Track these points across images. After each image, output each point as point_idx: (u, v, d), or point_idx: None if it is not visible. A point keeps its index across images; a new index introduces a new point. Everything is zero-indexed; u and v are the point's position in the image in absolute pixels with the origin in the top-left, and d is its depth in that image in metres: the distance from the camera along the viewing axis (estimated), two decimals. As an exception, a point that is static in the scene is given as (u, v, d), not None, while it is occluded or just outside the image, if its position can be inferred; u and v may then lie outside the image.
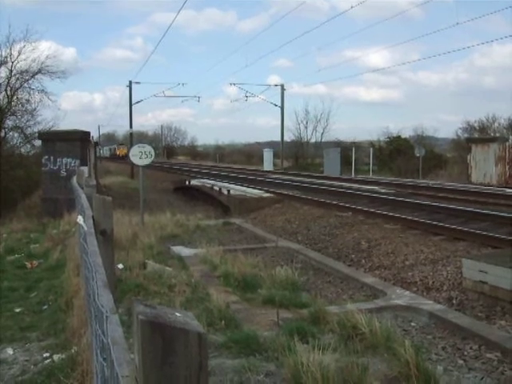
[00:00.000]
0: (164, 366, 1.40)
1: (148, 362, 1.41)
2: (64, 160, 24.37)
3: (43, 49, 47.73)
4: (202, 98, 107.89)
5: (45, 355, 6.85)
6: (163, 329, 1.41)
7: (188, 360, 1.42)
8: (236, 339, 6.67)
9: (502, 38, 78.17)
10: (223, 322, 7.53)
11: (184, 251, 13.41)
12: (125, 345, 1.72)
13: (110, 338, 1.65)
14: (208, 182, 31.22)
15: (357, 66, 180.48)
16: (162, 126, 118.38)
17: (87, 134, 27.16)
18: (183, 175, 42.96)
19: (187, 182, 33.36)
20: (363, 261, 12.76)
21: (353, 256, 13.25)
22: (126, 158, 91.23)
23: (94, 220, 4.85)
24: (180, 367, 1.41)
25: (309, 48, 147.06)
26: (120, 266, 10.39)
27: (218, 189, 26.97)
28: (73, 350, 6.43)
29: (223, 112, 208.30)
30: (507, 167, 32.05)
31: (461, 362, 6.59)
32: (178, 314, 1.51)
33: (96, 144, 39.39)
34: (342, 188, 26.77)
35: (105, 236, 4.76)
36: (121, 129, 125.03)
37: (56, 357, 6.67)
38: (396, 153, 55.38)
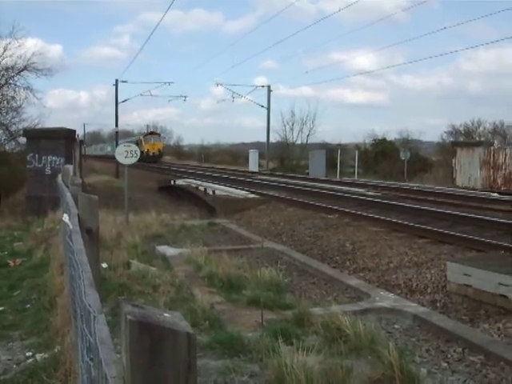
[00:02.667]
0: (152, 366, 1.39)
1: (136, 363, 1.39)
2: (49, 158, 24.22)
3: (29, 45, 47.38)
4: (188, 98, 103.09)
5: (27, 354, 6.80)
6: (152, 329, 1.40)
7: (176, 360, 1.41)
8: (220, 340, 6.65)
9: (487, 44, 78.52)
10: (207, 322, 7.51)
11: (169, 251, 13.36)
12: (111, 345, 1.71)
13: (98, 338, 1.64)
14: (193, 182, 31.17)
15: (343, 68, 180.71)
16: (147, 126, 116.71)
17: (73, 132, 27.00)
18: (168, 175, 42.87)
19: (172, 182, 33.26)
20: (348, 263, 12.78)
21: (337, 258, 13.27)
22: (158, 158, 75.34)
23: (79, 218, 4.83)
24: (168, 367, 1.40)
25: (296, 50, 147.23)
26: (104, 265, 10.33)
27: (203, 189, 26.92)
28: (56, 350, 6.39)
29: (209, 112, 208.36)
30: (492, 171, 32.27)
31: (444, 364, 6.61)
32: (166, 315, 1.50)
33: (81, 142, 39.20)
34: (327, 190, 26.83)
35: (90, 235, 4.74)
36: (106, 127, 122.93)
37: (39, 356, 6.62)
38: (381, 155, 55.56)
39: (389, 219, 16.23)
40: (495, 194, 24.99)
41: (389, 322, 8.26)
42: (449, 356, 6.87)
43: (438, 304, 9.40)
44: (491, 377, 6.20)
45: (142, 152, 68.92)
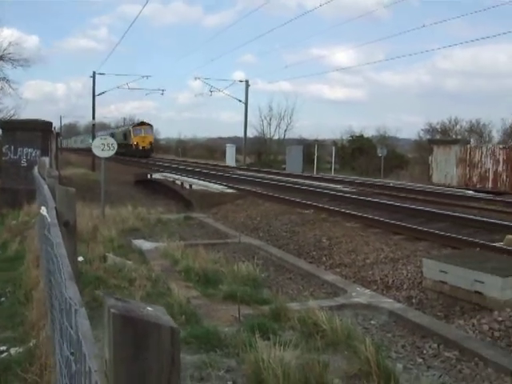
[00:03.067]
0: (136, 360, 1.38)
1: (119, 356, 1.38)
2: (25, 150, 23.96)
3: (5, 36, 46.98)
4: (166, 92, 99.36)
5: (1, 349, 6.72)
6: (135, 323, 1.38)
7: (160, 354, 1.40)
8: (196, 334, 6.64)
9: (461, 43, 79.27)
10: (184, 317, 7.48)
11: (145, 245, 13.32)
12: (92, 339, 1.69)
13: (80, 331, 1.62)
14: (170, 176, 31.08)
15: (322, 64, 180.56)
16: (124, 119, 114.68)
17: (49, 124, 26.74)
18: (145, 168, 42.71)
19: (149, 176, 33.13)
20: (324, 258, 12.82)
21: (314, 253, 13.31)
22: (149, 152, 66.27)
23: (56, 211, 4.78)
24: (152, 361, 1.39)
25: (275, 45, 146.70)
26: (80, 258, 10.26)
27: (179, 183, 26.88)
28: (31, 344, 6.32)
29: (187, 106, 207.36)
30: (468, 169, 32.56)
31: (420, 360, 6.67)
32: (149, 309, 1.49)
33: (58, 134, 38.90)
34: (303, 185, 26.89)
35: (68, 228, 4.70)
36: (83, 120, 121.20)
37: (13, 350, 6.55)
38: (358, 152, 55.83)
39: (365, 215, 16.31)
40: (471, 192, 25.17)
41: (365, 317, 8.31)
42: (424, 352, 6.93)
43: (414, 300, 9.45)
44: (466, 372, 6.27)
45: (130, 145, 62.29)
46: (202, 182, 27.41)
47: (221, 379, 5.62)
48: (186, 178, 29.17)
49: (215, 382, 5.55)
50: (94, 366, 1.45)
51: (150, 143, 66.78)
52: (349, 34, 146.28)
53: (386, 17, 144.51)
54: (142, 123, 69.87)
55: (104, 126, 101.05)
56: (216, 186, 26.03)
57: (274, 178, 32.90)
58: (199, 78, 57.11)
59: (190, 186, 25.30)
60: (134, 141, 64.77)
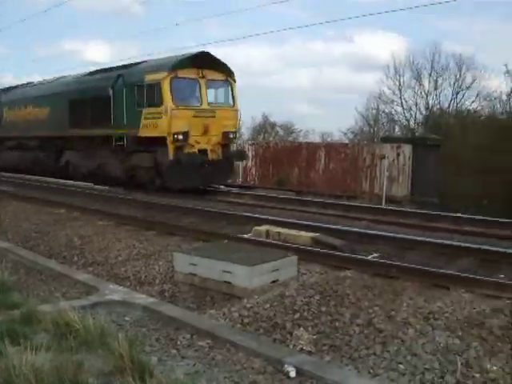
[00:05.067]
0: None
1: None
2: None
3: None
4: None
5: None
6: None
7: None
8: None
9: (216, 42, 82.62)
10: None
11: None
12: None
13: None
14: None
15: (77, 59, 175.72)
16: None
17: None
18: None
19: None
20: (76, 258, 12.65)
21: (65, 253, 13.07)
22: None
23: None
24: None
25: (26, 37, 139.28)
26: None
27: None
28: None
29: None
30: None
31: (174, 351, 6.83)
32: None
33: None
34: (55, 184, 26.30)
35: None
36: None
37: None
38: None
39: (117, 213, 16.33)
40: (222, 187, 25.90)
41: (119, 314, 8.31)
42: (178, 343, 7.10)
43: (167, 294, 9.63)
44: (218, 358, 6.53)
45: (138, 140, 22.54)
46: None
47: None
48: None
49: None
50: None
51: (226, 139, 23.03)
52: (103, 29, 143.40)
53: (141, 13, 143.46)
54: (203, 59, 22.15)
55: None
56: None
57: (24, 176, 31.67)
58: None
59: None
60: (171, 125, 21.14)
